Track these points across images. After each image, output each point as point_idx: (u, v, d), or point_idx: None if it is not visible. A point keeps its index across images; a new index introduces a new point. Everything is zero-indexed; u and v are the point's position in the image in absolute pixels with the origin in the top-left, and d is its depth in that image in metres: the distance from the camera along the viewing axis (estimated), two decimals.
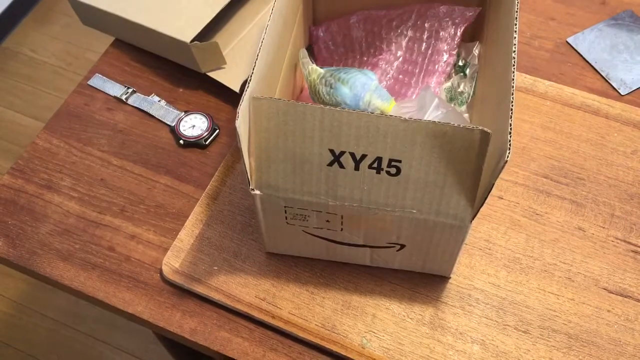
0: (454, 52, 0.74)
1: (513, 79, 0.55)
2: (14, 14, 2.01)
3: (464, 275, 0.71)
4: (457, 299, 0.70)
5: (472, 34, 0.77)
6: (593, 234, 0.73)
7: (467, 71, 0.74)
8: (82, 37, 1.99)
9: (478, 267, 0.72)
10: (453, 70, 0.74)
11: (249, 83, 0.56)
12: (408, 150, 0.55)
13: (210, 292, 0.70)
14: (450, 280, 0.71)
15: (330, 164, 0.58)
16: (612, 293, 0.70)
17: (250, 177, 0.60)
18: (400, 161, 0.56)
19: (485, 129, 0.53)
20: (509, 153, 0.51)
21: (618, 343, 0.67)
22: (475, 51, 0.73)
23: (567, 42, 0.89)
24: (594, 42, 0.89)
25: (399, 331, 0.68)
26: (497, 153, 0.54)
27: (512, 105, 0.54)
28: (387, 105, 0.66)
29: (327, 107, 0.54)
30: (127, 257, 0.74)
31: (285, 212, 0.63)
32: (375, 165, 0.57)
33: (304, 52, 0.76)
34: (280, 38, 0.67)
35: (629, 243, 0.73)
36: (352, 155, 0.56)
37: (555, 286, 0.70)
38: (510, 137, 0.52)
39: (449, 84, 0.74)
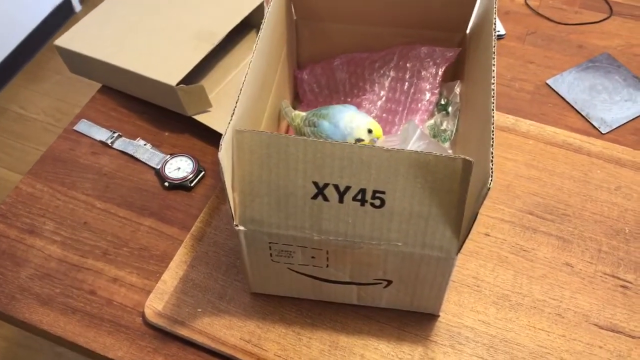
0: (436, 91, 0.76)
1: (493, 110, 0.56)
2: (5, 73, 2.03)
3: (452, 312, 0.70)
4: (446, 337, 0.68)
5: (453, 73, 0.78)
6: (581, 269, 0.73)
7: (450, 109, 0.75)
8: (71, 94, 2.01)
9: (467, 304, 0.71)
10: (436, 109, 0.75)
11: (232, 116, 0.56)
12: (392, 181, 0.55)
13: (193, 334, 0.68)
14: (439, 319, 0.70)
15: (315, 197, 0.57)
16: (603, 329, 0.69)
17: (234, 212, 0.59)
18: (384, 192, 0.56)
19: (467, 157, 0.53)
20: (491, 180, 0.51)
21: None
22: (457, 90, 0.75)
23: (546, 83, 0.91)
24: (573, 84, 0.91)
25: None
26: (480, 183, 0.54)
27: (493, 135, 0.54)
28: (369, 121, 0.66)
29: (310, 138, 0.55)
30: (108, 300, 0.72)
31: (270, 249, 0.62)
32: (359, 197, 0.56)
33: (285, 102, 0.78)
34: (264, 76, 0.67)
35: (618, 278, 0.72)
36: (336, 187, 0.56)
37: (545, 323, 0.69)
38: (492, 164, 0.52)
39: (432, 121, 0.74)
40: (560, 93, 0.90)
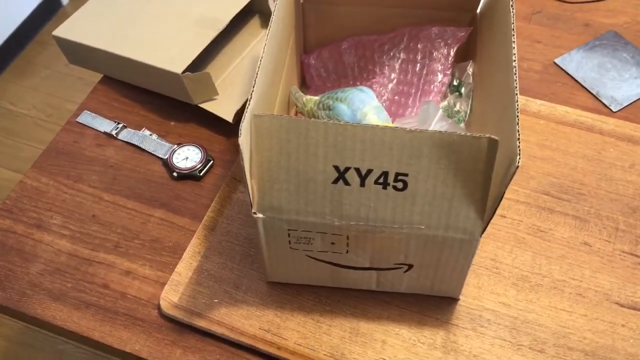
0: (448, 72, 0.74)
1: (516, 87, 0.55)
2: None
3: (472, 295, 0.69)
4: (467, 320, 0.68)
5: (465, 54, 0.77)
6: (599, 248, 0.72)
7: (463, 90, 0.74)
8: (62, 89, 1.98)
9: (486, 287, 0.70)
10: (448, 90, 0.74)
11: (249, 101, 0.55)
12: (414, 163, 0.54)
13: (211, 325, 0.67)
14: (459, 302, 0.69)
15: (335, 181, 0.56)
16: (625, 307, 0.68)
17: (253, 200, 0.58)
18: (406, 175, 0.55)
19: (493, 136, 0.52)
20: (519, 158, 0.50)
21: (636, 358, 0.65)
22: (469, 70, 0.73)
23: (555, 63, 0.90)
24: (581, 62, 0.90)
25: (411, 357, 0.65)
26: (505, 161, 0.53)
27: (518, 113, 0.53)
28: (381, 119, 0.65)
29: (331, 121, 0.53)
30: (122, 294, 0.71)
31: (289, 236, 0.61)
32: (381, 180, 0.55)
33: (295, 88, 0.76)
34: (275, 61, 0.66)
35: (637, 256, 0.72)
36: (358, 170, 0.55)
37: (566, 303, 0.68)
38: (519, 142, 0.51)
39: (445, 103, 0.73)
40: (569, 72, 0.89)
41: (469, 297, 0.69)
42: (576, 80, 0.88)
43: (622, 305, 0.68)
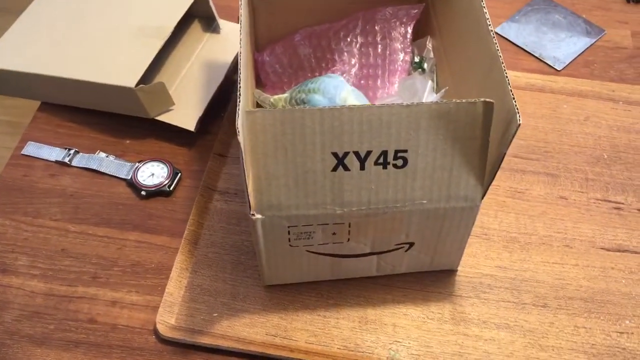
0: (409, 50, 0.75)
1: (498, 50, 0.56)
2: None
3: (469, 265, 0.70)
4: (469, 289, 0.68)
5: (419, 31, 0.78)
6: (575, 199, 0.75)
7: (425, 66, 0.74)
8: None
9: (480, 254, 0.71)
10: (411, 68, 0.75)
11: (239, 100, 0.52)
12: (413, 138, 0.54)
13: (216, 340, 0.64)
14: (457, 273, 0.69)
15: (335, 169, 0.55)
16: (610, 251, 0.71)
17: (250, 201, 0.56)
18: (406, 151, 0.54)
19: (488, 99, 0.52)
20: (519, 116, 0.51)
21: (631, 296, 0.67)
22: (429, 45, 0.74)
23: (496, 32, 0.93)
24: (519, 28, 0.93)
25: (424, 334, 0.65)
26: (501, 123, 0.54)
27: (506, 73, 0.54)
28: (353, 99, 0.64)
29: (327, 107, 0.52)
30: (112, 325, 0.66)
31: (289, 233, 0.59)
32: (381, 160, 0.55)
33: (257, 92, 0.74)
34: (246, 61, 0.64)
35: (609, 201, 0.75)
36: (357, 154, 0.54)
37: (557, 256, 0.71)
38: (515, 100, 0.52)
39: (410, 81, 0.74)
40: (510, 39, 0.92)
41: (466, 267, 0.70)
42: (518, 46, 0.91)
43: (607, 250, 0.71)
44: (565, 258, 0.70)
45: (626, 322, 0.66)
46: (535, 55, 0.90)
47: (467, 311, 0.67)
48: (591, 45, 0.91)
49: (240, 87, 0.53)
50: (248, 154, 0.54)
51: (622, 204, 0.75)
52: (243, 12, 0.62)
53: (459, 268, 0.69)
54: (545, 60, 0.89)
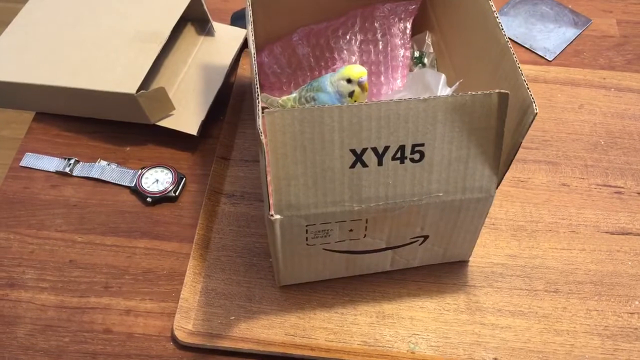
0: (409, 46, 0.76)
1: (507, 41, 0.57)
2: None
3: (480, 255, 0.71)
4: (482, 278, 0.69)
5: (416, 26, 0.78)
6: (577, 186, 0.77)
7: (425, 61, 0.75)
8: None
9: (489, 244, 0.72)
10: (412, 63, 0.75)
11: (257, 101, 0.52)
12: (430, 131, 0.54)
13: (236, 344, 0.64)
14: (469, 264, 0.70)
15: (353, 165, 0.55)
16: (615, 234, 0.73)
17: (269, 201, 0.56)
18: (422, 144, 0.55)
19: (502, 90, 0.53)
20: (535, 106, 0.52)
21: (638, 277, 0.69)
22: (428, 40, 0.75)
23: None
24: (508, 21, 0.95)
25: (441, 326, 0.66)
26: (516, 113, 0.54)
27: (518, 64, 0.55)
28: (343, 72, 0.63)
29: (345, 104, 0.52)
30: (129, 334, 0.65)
31: (307, 232, 0.59)
32: (398, 155, 0.55)
33: (264, 96, 0.74)
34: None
35: (610, 186, 0.77)
36: (375, 150, 0.54)
37: (564, 242, 0.72)
38: (530, 90, 0.53)
39: (420, 75, 0.74)
40: None
41: (477, 257, 0.71)
42: (509, 38, 0.92)
43: (612, 233, 0.73)
44: (572, 243, 0.72)
45: (636, 303, 0.67)
46: (526, 46, 0.91)
47: (481, 300, 0.68)
48: (579, 34, 0.93)
49: (257, 87, 0.53)
50: (269, 155, 0.53)
51: (622, 188, 0.76)
52: (247, 14, 0.62)
53: (471, 259, 0.70)
54: (536, 51, 0.91)
